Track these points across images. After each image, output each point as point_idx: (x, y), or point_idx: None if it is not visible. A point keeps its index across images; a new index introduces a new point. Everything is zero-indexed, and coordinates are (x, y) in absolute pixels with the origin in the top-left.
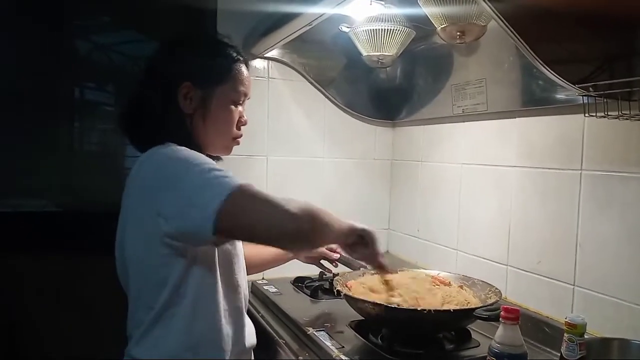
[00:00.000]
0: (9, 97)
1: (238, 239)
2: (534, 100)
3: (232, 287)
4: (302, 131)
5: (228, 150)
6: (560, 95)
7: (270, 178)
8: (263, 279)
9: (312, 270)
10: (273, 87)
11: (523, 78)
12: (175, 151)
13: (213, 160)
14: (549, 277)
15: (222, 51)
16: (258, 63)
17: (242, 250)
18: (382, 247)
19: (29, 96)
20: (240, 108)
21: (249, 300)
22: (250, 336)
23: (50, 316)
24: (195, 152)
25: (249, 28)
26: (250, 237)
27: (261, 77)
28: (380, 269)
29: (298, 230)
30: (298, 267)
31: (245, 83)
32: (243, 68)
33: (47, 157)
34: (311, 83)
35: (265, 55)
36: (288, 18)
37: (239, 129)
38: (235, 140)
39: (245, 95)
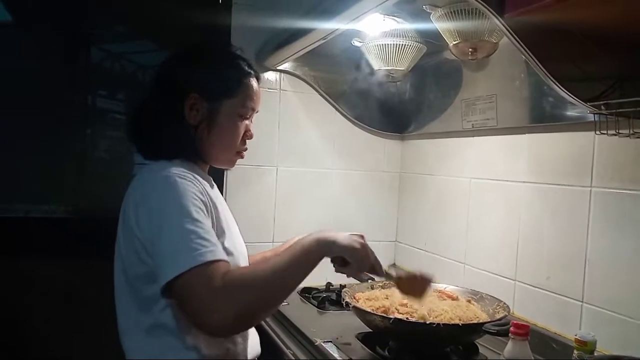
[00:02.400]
0: (22, 103)
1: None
2: (545, 117)
3: None
4: (311, 143)
5: (232, 164)
6: (570, 113)
7: (279, 188)
8: None
9: (319, 281)
10: (284, 99)
11: (534, 94)
12: (170, 184)
13: (221, 169)
14: (557, 294)
15: (232, 64)
16: (270, 75)
17: (246, 259)
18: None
19: (41, 102)
20: (247, 122)
21: None
22: (254, 347)
23: (59, 321)
24: (193, 186)
25: (262, 42)
26: (190, 319)
27: (273, 89)
28: (375, 273)
29: (228, 332)
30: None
31: (254, 98)
32: (253, 82)
33: (58, 163)
34: (322, 95)
35: (277, 68)
36: (302, 33)
37: (244, 142)
38: (239, 154)
39: (254, 110)
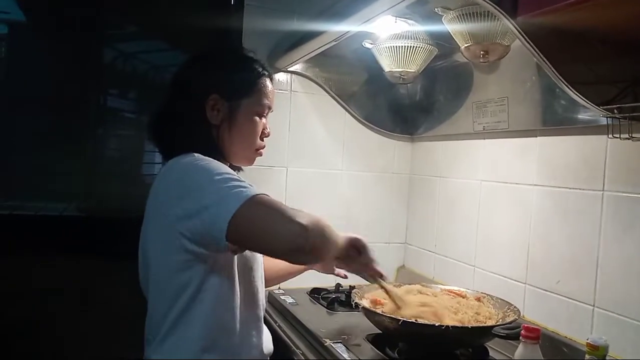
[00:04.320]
0: (34, 102)
1: (249, 248)
2: (556, 120)
3: (250, 294)
4: (322, 144)
5: (251, 161)
6: (582, 116)
7: (289, 189)
8: (280, 289)
9: (329, 282)
10: (295, 100)
11: (545, 97)
12: (197, 160)
13: (234, 170)
14: (568, 297)
15: (247, 65)
16: (281, 76)
17: (261, 257)
18: (374, 256)
19: (54, 101)
20: (264, 120)
21: (266, 310)
22: (268, 342)
23: (69, 319)
24: (217, 162)
25: (274, 43)
26: (259, 248)
27: (283, 90)
28: (376, 277)
29: (304, 244)
30: (314, 278)
31: (270, 96)
32: (268, 82)
33: (69, 162)
34: (332, 97)
35: (288, 69)
36: (313, 35)
37: (262, 140)
38: (258, 151)
39: (269, 108)
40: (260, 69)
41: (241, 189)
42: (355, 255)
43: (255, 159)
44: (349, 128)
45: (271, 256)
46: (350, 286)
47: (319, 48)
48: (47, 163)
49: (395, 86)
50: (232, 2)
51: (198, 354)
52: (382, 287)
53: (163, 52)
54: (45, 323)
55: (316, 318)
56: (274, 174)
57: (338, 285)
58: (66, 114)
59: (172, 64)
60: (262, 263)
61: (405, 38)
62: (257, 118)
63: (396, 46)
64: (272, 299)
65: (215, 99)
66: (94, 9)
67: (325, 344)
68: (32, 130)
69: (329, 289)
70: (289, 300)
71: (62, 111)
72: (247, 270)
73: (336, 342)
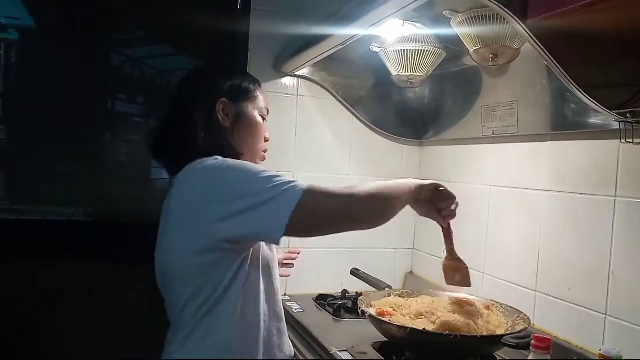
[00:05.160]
0: (43, 106)
1: (308, 235)
2: (567, 124)
3: (271, 292)
4: (329, 148)
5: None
6: (594, 120)
7: None
8: (285, 294)
9: (335, 288)
10: (301, 104)
11: (556, 101)
12: (226, 161)
13: None
14: (579, 305)
15: (245, 73)
16: (287, 80)
17: (277, 257)
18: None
19: (62, 105)
20: (265, 125)
21: None
22: (289, 345)
23: (75, 324)
24: (245, 161)
25: (280, 47)
26: (322, 231)
27: (290, 95)
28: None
29: (366, 211)
30: (320, 284)
31: (266, 101)
32: (262, 89)
33: (77, 166)
34: (339, 101)
35: (295, 74)
36: (320, 38)
37: (264, 144)
38: (263, 154)
39: (267, 111)
40: (254, 79)
41: (291, 183)
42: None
43: (261, 162)
44: (356, 132)
45: (339, 232)
46: (357, 293)
47: (325, 52)
48: (55, 167)
49: (403, 90)
50: (239, 7)
51: (223, 351)
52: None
53: (170, 56)
54: (52, 328)
55: (322, 325)
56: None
57: (345, 291)
58: (74, 118)
59: (180, 69)
60: (277, 263)
61: (413, 41)
62: (260, 119)
63: (404, 50)
64: None
65: (224, 102)
66: (102, 15)
67: (331, 352)
68: (41, 135)
69: (335, 295)
70: (295, 306)
71: (71, 116)
72: (268, 270)
73: (342, 351)
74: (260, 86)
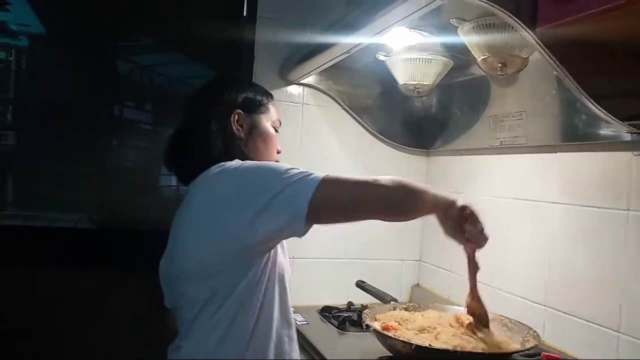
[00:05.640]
0: (52, 112)
1: (333, 222)
2: (577, 135)
3: (284, 299)
4: (334, 157)
5: None
6: (605, 131)
7: None
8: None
9: (340, 300)
10: (307, 112)
11: (565, 112)
12: (245, 162)
13: None
14: (591, 322)
15: (257, 86)
16: (293, 89)
17: (288, 261)
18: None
19: (70, 112)
20: (277, 137)
21: None
22: (298, 354)
23: (79, 331)
24: (263, 161)
25: (286, 55)
26: (345, 216)
27: (295, 103)
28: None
29: (388, 198)
30: (325, 296)
31: (279, 114)
32: (274, 103)
33: (85, 173)
34: (345, 110)
35: (300, 82)
36: (325, 46)
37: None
38: None
39: (280, 123)
40: (268, 93)
41: (310, 174)
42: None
43: None
44: (362, 142)
45: (360, 219)
46: (362, 305)
47: (331, 60)
48: (62, 173)
49: (410, 99)
50: (245, 14)
51: (238, 356)
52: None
53: (177, 64)
54: (56, 334)
55: (326, 338)
56: None
57: (350, 303)
58: (82, 125)
59: (187, 76)
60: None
61: (420, 50)
62: (273, 131)
63: (411, 58)
64: None
65: (239, 114)
66: (111, 23)
67: None
68: (49, 141)
69: (340, 307)
70: (299, 318)
71: (79, 122)
72: (282, 277)
73: None
74: (272, 99)
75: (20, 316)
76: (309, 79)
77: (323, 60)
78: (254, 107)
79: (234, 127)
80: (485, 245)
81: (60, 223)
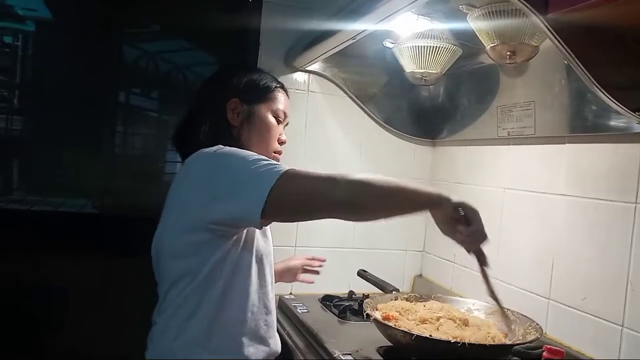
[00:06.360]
0: (57, 99)
1: (291, 219)
2: (586, 127)
3: (263, 285)
4: (339, 145)
5: None
6: (615, 123)
7: None
8: (291, 294)
9: (342, 289)
10: (312, 100)
11: (575, 102)
12: (221, 148)
13: None
14: (594, 316)
15: (264, 75)
16: (298, 76)
17: (272, 250)
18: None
19: (76, 98)
20: (280, 127)
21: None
22: (277, 340)
23: (83, 316)
24: (239, 148)
25: (292, 42)
26: (305, 213)
27: (301, 90)
28: (481, 258)
29: (347, 196)
30: (326, 284)
31: (284, 104)
32: (282, 93)
33: (90, 159)
34: (351, 98)
35: (306, 69)
36: (331, 33)
37: (279, 145)
38: (275, 155)
39: (285, 115)
40: (275, 82)
41: (273, 166)
42: (460, 223)
43: None
44: (367, 130)
45: (318, 218)
46: (363, 294)
47: (337, 46)
48: (68, 159)
49: (417, 88)
50: (251, 0)
51: (204, 335)
52: (488, 287)
53: (183, 51)
54: (60, 319)
55: (327, 327)
56: None
57: (351, 292)
58: (88, 111)
59: (193, 63)
60: (272, 255)
61: (428, 38)
62: (273, 121)
63: (418, 46)
64: (282, 305)
65: (236, 102)
66: (118, 9)
67: (335, 355)
68: (54, 126)
69: (341, 296)
70: (300, 306)
71: (84, 108)
72: (261, 263)
73: (346, 355)
74: (281, 88)
75: (24, 300)
76: (315, 66)
77: (329, 47)
78: (254, 96)
79: (229, 115)
80: (484, 245)
81: (65, 208)
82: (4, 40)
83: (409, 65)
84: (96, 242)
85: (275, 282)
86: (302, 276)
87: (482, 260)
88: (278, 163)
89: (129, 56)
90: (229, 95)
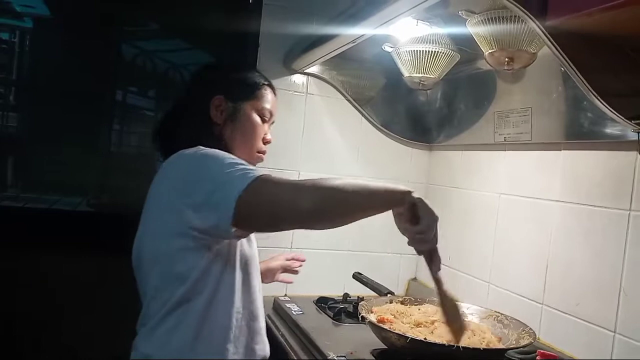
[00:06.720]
0: (54, 95)
1: (260, 229)
2: (582, 134)
3: (248, 291)
4: (336, 148)
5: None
6: (610, 130)
7: None
8: (286, 296)
9: (337, 291)
10: (310, 102)
11: (572, 109)
12: (203, 149)
13: None
14: (587, 322)
15: (250, 73)
16: (297, 78)
17: (257, 253)
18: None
19: (72, 95)
20: (266, 127)
21: (270, 316)
22: (264, 345)
23: (77, 314)
24: (219, 151)
25: (291, 43)
26: (272, 224)
27: (299, 93)
28: (430, 263)
29: (316, 207)
30: (321, 286)
31: (271, 103)
32: (269, 91)
33: (86, 157)
34: (349, 101)
35: (304, 71)
36: (331, 36)
37: (263, 145)
38: (258, 154)
39: (271, 114)
40: (262, 79)
41: (246, 171)
42: (409, 222)
43: (255, 163)
44: (364, 134)
45: (287, 228)
46: (358, 297)
47: (336, 50)
48: (64, 157)
49: (414, 92)
50: (251, 1)
51: (189, 345)
52: (438, 287)
53: (182, 51)
54: (54, 317)
55: (321, 329)
56: (285, 177)
57: (346, 295)
58: (84, 108)
59: (191, 63)
60: (257, 260)
61: (427, 42)
62: (258, 120)
63: (417, 51)
64: (277, 306)
65: (220, 99)
66: (116, 7)
67: (329, 357)
68: (50, 124)
69: (336, 298)
70: (294, 308)
71: (81, 106)
72: (246, 269)
73: (340, 357)
74: (268, 86)
75: (19, 298)
76: (313, 69)
77: (328, 50)
78: (239, 93)
79: (212, 112)
80: (431, 249)
81: (60, 206)
82: (1, 36)
83: (407, 70)
84: (91, 240)
85: None
86: (282, 276)
87: (430, 264)
88: (253, 168)
89: (127, 54)
90: (212, 93)
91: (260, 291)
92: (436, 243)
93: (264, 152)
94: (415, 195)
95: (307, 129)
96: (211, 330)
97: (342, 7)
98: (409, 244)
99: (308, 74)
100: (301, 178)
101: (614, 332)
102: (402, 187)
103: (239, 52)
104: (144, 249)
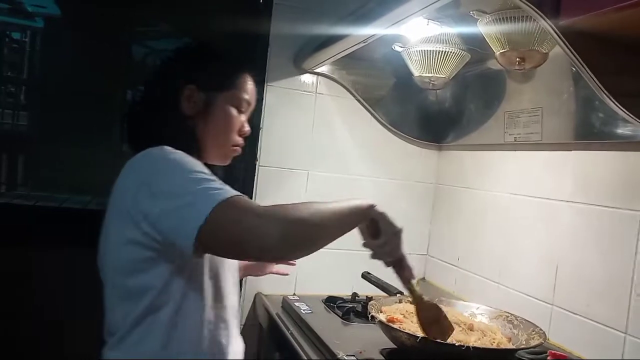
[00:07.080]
0: (65, 95)
1: (222, 255)
2: (594, 134)
3: (218, 299)
4: (345, 148)
5: (226, 159)
6: (621, 130)
7: (309, 193)
8: (294, 294)
9: (345, 291)
10: (320, 102)
11: (583, 110)
12: (168, 154)
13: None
14: (598, 322)
15: (227, 60)
16: (307, 78)
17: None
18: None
19: (83, 95)
20: (243, 117)
21: (279, 315)
22: (238, 347)
23: (85, 311)
24: (190, 157)
25: (301, 43)
26: (236, 252)
27: (309, 92)
28: (400, 272)
29: (283, 237)
30: (330, 286)
31: (249, 92)
32: (248, 79)
33: (96, 155)
34: (358, 100)
35: (314, 71)
36: (341, 36)
37: (240, 137)
38: (234, 148)
39: (248, 103)
40: (239, 66)
41: (213, 191)
42: (372, 236)
43: (230, 157)
44: (374, 133)
45: (251, 260)
46: (367, 297)
47: (346, 49)
48: (73, 156)
49: (424, 92)
50: (261, 1)
51: (158, 355)
52: (413, 296)
53: None
54: (62, 314)
55: (330, 328)
56: (294, 177)
57: (355, 294)
58: (95, 108)
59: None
60: (232, 267)
61: (437, 42)
62: (233, 111)
63: (427, 50)
64: (286, 306)
65: (192, 89)
66: (127, 7)
67: (338, 356)
68: (61, 123)
69: (345, 298)
70: (303, 307)
71: (91, 105)
72: (216, 277)
73: (349, 355)
74: (246, 75)
75: (27, 296)
76: (323, 69)
77: (338, 50)
78: (213, 84)
79: (183, 103)
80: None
81: (70, 204)
82: (12, 36)
83: (417, 69)
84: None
85: (243, 277)
86: (277, 268)
87: (400, 274)
88: (221, 187)
89: (138, 54)
90: (184, 82)
91: (236, 292)
92: (402, 254)
93: (240, 145)
94: (378, 209)
95: (316, 129)
96: (180, 342)
97: (352, 7)
98: (372, 256)
99: (318, 74)
100: (309, 179)
101: (625, 333)
102: (364, 202)
103: (249, 52)
104: (106, 257)
